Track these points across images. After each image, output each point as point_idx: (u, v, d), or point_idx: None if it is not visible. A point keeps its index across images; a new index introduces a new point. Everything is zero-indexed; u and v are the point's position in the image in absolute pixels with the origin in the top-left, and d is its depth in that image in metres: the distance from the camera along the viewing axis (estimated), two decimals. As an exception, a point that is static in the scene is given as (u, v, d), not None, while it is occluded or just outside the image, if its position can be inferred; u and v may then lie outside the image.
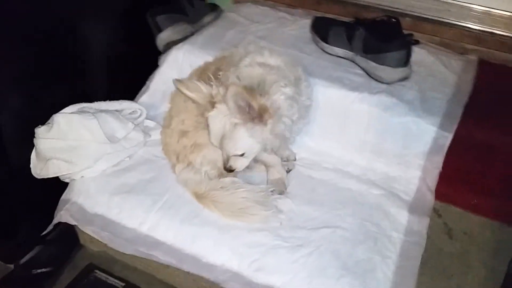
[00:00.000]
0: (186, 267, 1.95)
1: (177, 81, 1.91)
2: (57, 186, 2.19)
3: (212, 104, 1.83)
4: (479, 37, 2.67)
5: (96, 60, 2.47)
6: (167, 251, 1.97)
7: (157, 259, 1.97)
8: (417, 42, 2.34)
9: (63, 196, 2.18)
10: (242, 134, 1.83)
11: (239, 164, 1.94)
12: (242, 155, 1.89)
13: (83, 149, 2.11)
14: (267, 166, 2.20)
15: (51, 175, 2.10)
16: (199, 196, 2.06)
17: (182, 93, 1.90)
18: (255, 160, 2.14)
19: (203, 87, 1.85)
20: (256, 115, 1.77)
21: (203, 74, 2.11)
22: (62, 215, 2.11)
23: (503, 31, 2.63)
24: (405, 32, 2.35)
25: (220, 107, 1.80)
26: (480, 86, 2.39)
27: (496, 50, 2.65)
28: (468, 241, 2.04)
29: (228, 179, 2.09)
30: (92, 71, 2.47)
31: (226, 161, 1.93)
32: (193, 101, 1.92)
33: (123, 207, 2.08)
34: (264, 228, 1.97)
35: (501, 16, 2.64)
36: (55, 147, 2.07)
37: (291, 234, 1.96)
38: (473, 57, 2.62)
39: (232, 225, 1.98)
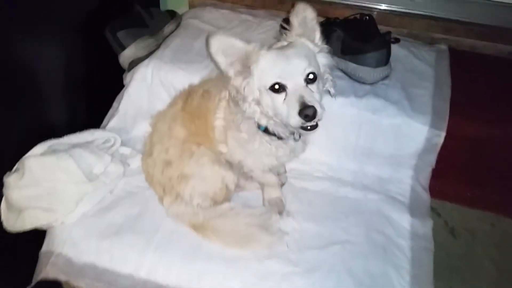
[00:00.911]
0: (197, 309, 1.82)
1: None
2: (31, 234, 1.95)
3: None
4: (447, 26, 2.68)
5: (54, 84, 2.21)
6: (172, 294, 1.83)
7: (163, 305, 1.83)
8: (397, 41, 2.30)
9: (44, 248, 1.96)
10: (308, 44, 1.68)
11: (316, 99, 1.56)
12: (314, 79, 1.59)
13: (61, 193, 1.90)
14: (263, 185, 2.09)
15: (29, 227, 1.87)
16: (197, 228, 1.92)
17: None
18: (248, 177, 2.05)
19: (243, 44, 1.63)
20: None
21: (189, 97, 1.96)
22: (49, 271, 1.88)
23: (469, 19, 2.65)
24: (381, 28, 2.32)
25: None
26: (457, 77, 2.40)
27: (464, 37, 2.67)
28: (471, 239, 2.07)
29: (226, 205, 1.98)
30: (51, 98, 2.21)
31: (301, 103, 1.52)
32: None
33: (113, 251, 1.90)
34: (272, 255, 1.87)
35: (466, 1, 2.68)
36: (30, 196, 1.86)
37: (300, 256, 1.88)
38: (443, 47, 2.64)
39: (239, 256, 1.87)
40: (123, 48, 2.31)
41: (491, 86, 2.39)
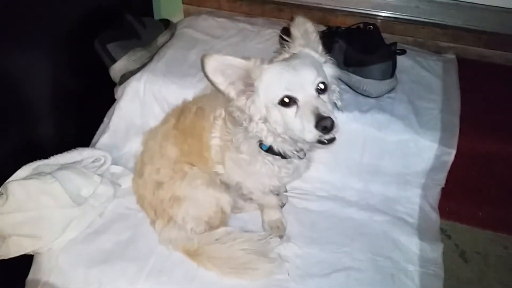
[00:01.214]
0: None
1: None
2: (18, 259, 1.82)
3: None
4: (454, 34, 2.56)
5: (41, 100, 2.09)
6: (165, 328, 1.71)
7: None
8: (403, 52, 2.17)
9: (30, 276, 1.84)
10: (314, 54, 1.55)
11: (330, 110, 1.45)
12: (325, 89, 1.46)
13: (47, 219, 1.79)
14: (262, 207, 1.97)
15: (13, 254, 1.76)
16: (192, 254, 1.81)
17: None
18: (247, 198, 1.93)
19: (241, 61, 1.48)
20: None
21: (182, 115, 1.84)
22: (35, 301, 1.77)
23: (477, 27, 2.53)
24: (384, 36, 2.20)
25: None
26: (466, 88, 2.27)
27: (472, 46, 2.55)
28: (483, 262, 1.95)
29: (222, 230, 1.86)
30: (38, 114, 2.09)
31: (316, 115, 1.38)
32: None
33: (103, 280, 1.78)
34: (272, 284, 1.76)
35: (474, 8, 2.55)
36: (14, 222, 1.75)
37: (302, 285, 1.77)
38: (451, 56, 2.52)
39: (236, 285, 1.75)
40: (113, 61, 2.19)
41: (501, 98, 2.28)
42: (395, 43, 2.12)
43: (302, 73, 1.44)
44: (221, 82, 1.47)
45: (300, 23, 1.60)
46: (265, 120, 1.52)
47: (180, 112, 1.88)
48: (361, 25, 2.27)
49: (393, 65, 2.11)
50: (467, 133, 2.03)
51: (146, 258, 1.83)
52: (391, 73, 2.12)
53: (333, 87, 1.59)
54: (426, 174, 2.07)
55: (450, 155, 2.00)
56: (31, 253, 1.85)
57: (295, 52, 1.57)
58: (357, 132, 2.06)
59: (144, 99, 2.24)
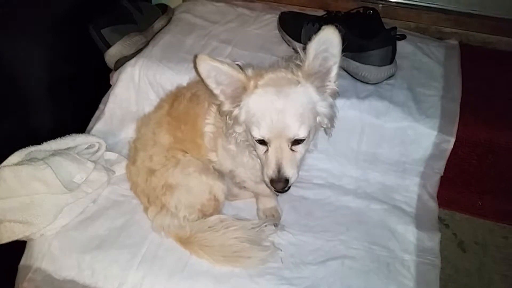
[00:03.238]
0: (183, 332, 1.68)
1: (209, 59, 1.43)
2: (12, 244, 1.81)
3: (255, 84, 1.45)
4: (458, 20, 2.49)
5: (35, 86, 2.06)
6: (157, 315, 1.69)
7: (147, 326, 1.70)
8: (403, 37, 2.12)
9: (23, 262, 1.83)
10: (311, 93, 1.47)
11: (293, 168, 1.49)
12: (302, 140, 1.46)
13: (39, 205, 1.77)
14: (257, 195, 1.95)
15: (5, 240, 1.75)
16: (184, 242, 1.79)
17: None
18: (241, 186, 1.91)
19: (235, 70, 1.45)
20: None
21: (176, 101, 1.81)
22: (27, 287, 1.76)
23: (482, 12, 2.46)
24: (386, 22, 2.14)
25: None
26: (468, 75, 2.22)
27: (476, 31, 2.49)
28: (481, 252, 1.92)
29: (215, 218, 1.83)
30: (32, 100, 2.07)
31: (276, 170, 1.47)
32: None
33: (96, 267, 1.77)
34: (266, 271, 1.73)
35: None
36: (5, 208, 1.73)
37: (296, 273, 1.75)
38: (453, 42, 2.46)
39: (229, 273, 1.73)
40: (108, 46, 2.16)
41: (505, 86, 2.22)
42: (395, 28, 2.07)
43: (284, 123, 1.43)
44: (212, 84, 1.48)
45: (324, 38, 1.38)
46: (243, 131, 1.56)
47: (174, 98, 1.86)
48: (361, 10, 2.21)
49: (392, 50, 2.07)
50: (468, 121, 1.98)
51: (139, 245, 1.82)
52: (390, 59, 2.08)
53: (325, 123, 1.55)
54: (424, 162, 2.03)
55: (449, 143, 1.96)
56: (24, 239, 1.84)
57: (297, 78, 1.46)
58: (355, 119, 2.02)
59: (139, 85, 2.21)
